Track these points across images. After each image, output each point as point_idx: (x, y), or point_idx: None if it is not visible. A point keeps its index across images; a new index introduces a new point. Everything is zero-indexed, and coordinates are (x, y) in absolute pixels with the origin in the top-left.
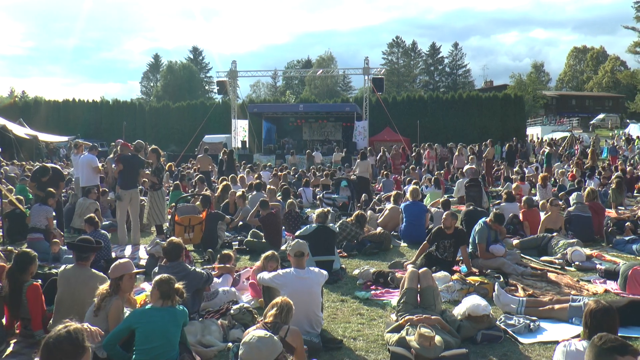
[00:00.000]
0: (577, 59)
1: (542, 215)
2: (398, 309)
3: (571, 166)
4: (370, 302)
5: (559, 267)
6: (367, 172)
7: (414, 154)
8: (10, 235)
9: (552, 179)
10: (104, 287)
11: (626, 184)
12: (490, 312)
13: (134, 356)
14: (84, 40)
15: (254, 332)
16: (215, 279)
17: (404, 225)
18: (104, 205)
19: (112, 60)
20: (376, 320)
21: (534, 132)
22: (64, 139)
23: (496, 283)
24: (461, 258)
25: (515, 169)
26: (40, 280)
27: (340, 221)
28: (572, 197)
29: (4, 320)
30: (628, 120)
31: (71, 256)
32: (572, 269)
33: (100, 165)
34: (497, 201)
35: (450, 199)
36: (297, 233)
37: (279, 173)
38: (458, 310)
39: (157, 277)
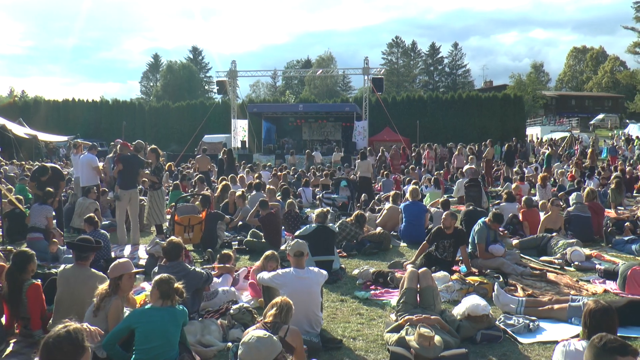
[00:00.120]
0: (577, 59)
1: (542, 216)
2: (397, 308)
3: (571, 166)
4: (370, 302)
5: (559, 267)
6: (368, 172)
7: (414, 154)
8: (10, 235)
9: (552, 179)
10: (103, 287)
11: (625, 184)
12: (490, 312)
13: (133, 356)
14: (83, 39)
15: (253, 332)
16: (215, 279)
17: (403, 225)
18: (103, 205)
19: (112, 60)
20: (376, 320)
21: (533, 132)
22: (64, 138)
23: (496, 283)
24: (461, 258)
25: (514, 169)
26: (40, 280)
27: (340, 221)
28: (572, 197)
29: (3, 320)
30: (627, 121)
31: (71, 256)
32: (572, 269)
33: (100, 165)
34: (497, 201)
35: (450, 199)
36: (297, 233)
37: (279, 173)
38: (457, 310)
39: (157, 277)
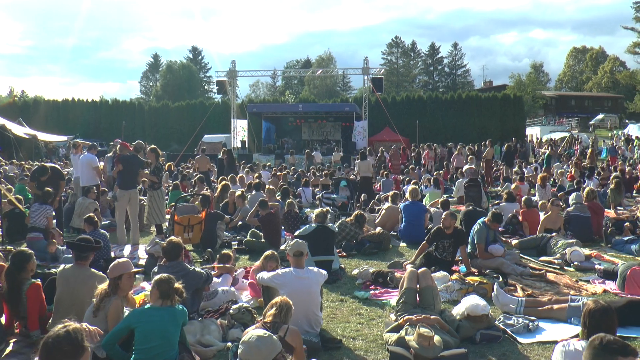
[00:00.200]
0: (577, 59)
1: (542, 216)
2: (397, 308)
3: (570, 166)
4: (370, 302)
5: (558, 267)
6: (369, 172)
7: (413, 154)
8: (10, 235)
9: (551, 179)
10: (102, 287)
11: (625, 185)
12: (489, 312)
13: (133, 356)
14: (83, 39)
15: (253, 332)
16: (214, 279)
17: (403, 225)
18: (103, 204)
19: (111, 59)
20: (375, 320)
21: (533, 132)
22: (63, 138)
23: (495, 283)
24: (460, 258)
25: (514, 169)
26: (39, 280)
27: (340, 221)
28: (571, 198)
29: (3, 320)
30: (627, 121)
31: (70, 256)
32: (571, 269)
33: (101, 165)
34: (497, 201)
35: (450, 199)
36: (297, 233)
37: (279, 173)
38: (457, 310)
39: (157, 277)
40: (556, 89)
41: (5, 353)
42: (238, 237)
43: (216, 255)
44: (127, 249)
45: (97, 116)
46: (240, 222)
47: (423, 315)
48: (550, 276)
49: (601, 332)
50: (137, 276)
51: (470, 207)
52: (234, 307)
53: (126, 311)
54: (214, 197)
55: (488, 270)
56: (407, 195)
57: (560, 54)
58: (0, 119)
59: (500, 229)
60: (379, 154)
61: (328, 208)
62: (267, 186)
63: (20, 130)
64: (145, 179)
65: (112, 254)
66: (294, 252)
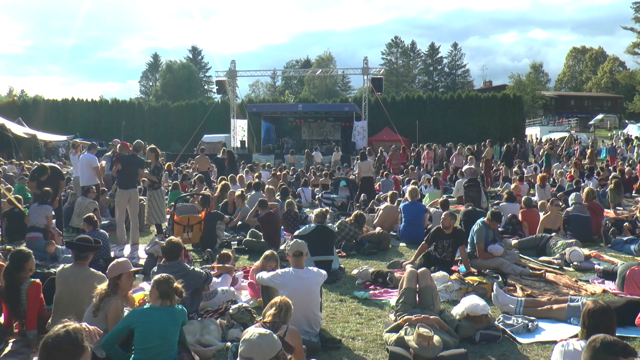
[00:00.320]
0: (576, 59)
1: (541, 216)
2: (397, 308)
3: (570, 166)
4: (369, 302)
5: (558, 267)
6: (369, 172)
7: (413, 154)
8: (9, 235)
9: (551, 179)
10: (102, 287)
11: (624, 185)
12: (489, 312)
13: (132, 356)
14: (82, 39)
15: (254, 330)
16: (214, 279)
17: (402, 225)
18: (102, 204)
19: (111, 59)
20: (375, 320)
21: (532, 132)
22: (63, 138)
23: (495, 283)
24: (460, 258)
25: (514, 169)
26: (39, 279)
27: (339, 221)
28: (571, 198)
29: (2, 319)
30: (627, 121)
31: (70, 255)
32: (571, 269)
33: (102, 163)
34: (496, 201)
35: (449, 199)
36: (296, 233)
37: (278, 173)
38: (457, 310)
39: (156, 277)
40: (556, 89)
41: (4, 353)
42: (238, 237)
43: (216, 255)
44: (127, 249)
45: (97, 116)
46: (239, 222)
47: (422, 315)
48: (550, 276)
49: (600, 332)
50: (136, 276)
51: (470, 207)
52: (233, 307)
53: (126, 311)
54: (213, 197)
55: (487, 270)
56: (406, 195)
57: (560, 54)
58: (0, 119)
59: (499, 229)
60: (379, 154)
61: (327, 208)
62: (266, 186)
63: (19, 129)
64: (145, 179)
65: (112, 254)
66: (294, 252)
